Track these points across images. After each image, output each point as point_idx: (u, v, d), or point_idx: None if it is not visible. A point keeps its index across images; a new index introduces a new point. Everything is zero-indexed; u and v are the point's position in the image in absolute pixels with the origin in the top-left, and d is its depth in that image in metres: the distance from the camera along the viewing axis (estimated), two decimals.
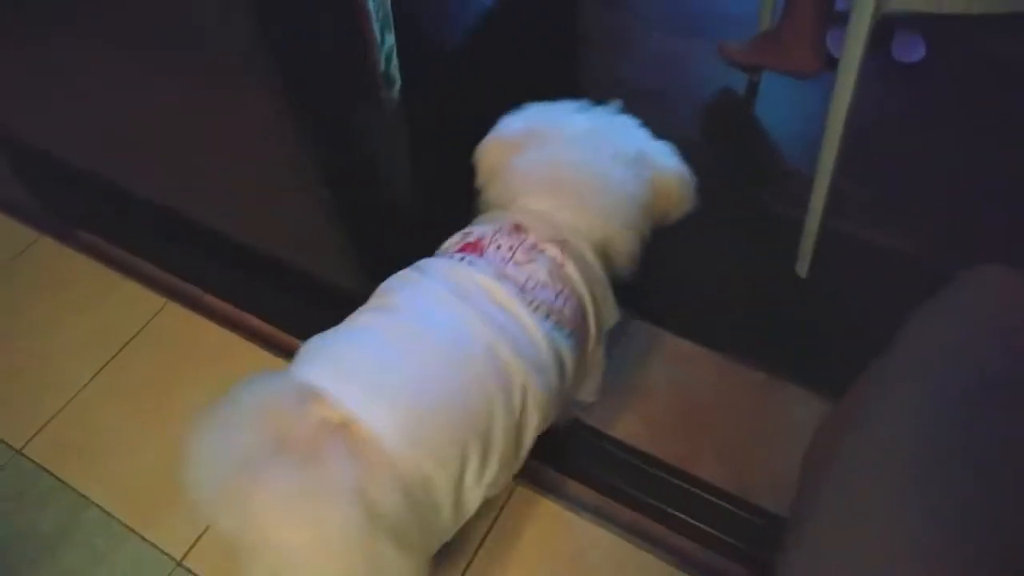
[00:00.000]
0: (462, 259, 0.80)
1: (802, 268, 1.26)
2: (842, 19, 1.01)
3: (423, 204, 1.06)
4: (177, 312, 1.33)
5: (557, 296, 0.79)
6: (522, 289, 0.77)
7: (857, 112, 1.06)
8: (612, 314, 0.90)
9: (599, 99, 0.96)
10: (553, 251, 0.81)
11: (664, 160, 0.92)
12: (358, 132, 0.99)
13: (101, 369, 1.25)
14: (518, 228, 0.83)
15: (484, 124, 0.96)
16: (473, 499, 0.72)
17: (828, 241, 1.23)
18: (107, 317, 1.33)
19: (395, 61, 0.93)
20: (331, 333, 0.74)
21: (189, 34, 0.86)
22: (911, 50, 1.59)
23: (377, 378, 0.68)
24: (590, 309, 0.83)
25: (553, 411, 0.78)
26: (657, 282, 0.96)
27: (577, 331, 0.81)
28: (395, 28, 0.89)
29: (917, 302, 0.58)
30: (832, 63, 1.11)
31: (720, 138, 1.12)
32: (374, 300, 0.79)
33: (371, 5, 0.87)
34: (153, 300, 1.35)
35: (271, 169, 0.99)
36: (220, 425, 0.66)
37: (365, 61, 0.91)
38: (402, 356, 0.70)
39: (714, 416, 1.09)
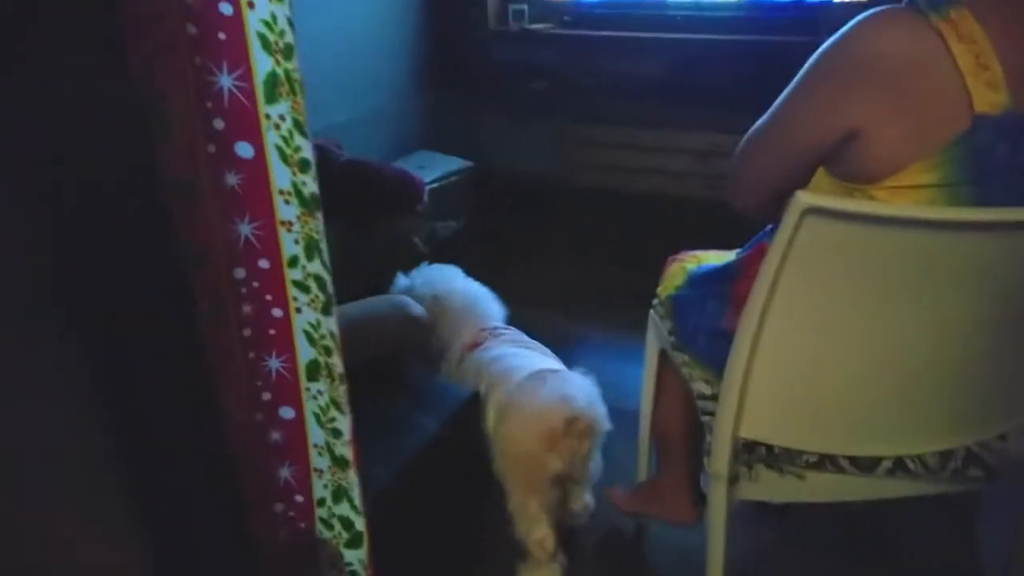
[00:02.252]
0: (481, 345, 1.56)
1: None
2: None
3: None
4: None
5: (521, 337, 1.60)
6: (515, 342, 1.56)
7: (736, 551, 1.11)
8: None
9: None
10: (500, 328, 1.64)
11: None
12: None
13: None
14: (483, 330, 1.61)
15: None
16: None
17: None
18: None
19: None
20: (520, 351, 1.52)
21: None
22: None
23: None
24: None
25: None
26: None
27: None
28: None
29: None
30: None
31: None
32: (498, 347, 1.53)
33: None
34: None
35: None
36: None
37: None
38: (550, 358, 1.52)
39: None
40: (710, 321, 1.15)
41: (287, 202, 0.82)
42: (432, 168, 2.86)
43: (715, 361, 1.08)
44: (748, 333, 0.95)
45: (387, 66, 2.98)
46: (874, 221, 0.82)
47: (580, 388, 1.30)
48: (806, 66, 0.90)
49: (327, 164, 2.11)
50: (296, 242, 0.84)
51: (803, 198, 0.81)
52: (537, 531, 1.31)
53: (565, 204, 3.05)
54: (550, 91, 3.04)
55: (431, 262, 2.55)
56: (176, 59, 0.72)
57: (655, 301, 1.40)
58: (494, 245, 3.04)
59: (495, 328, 1.61)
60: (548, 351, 1.55)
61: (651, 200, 2.88)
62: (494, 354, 1.49)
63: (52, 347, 0.71)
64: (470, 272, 1.90)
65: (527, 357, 1.46)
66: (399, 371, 1.39)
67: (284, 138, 0.79)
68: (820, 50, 0.89)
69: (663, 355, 1.40)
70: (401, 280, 1.79)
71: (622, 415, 1.39)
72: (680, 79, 2.78)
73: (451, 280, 1.75)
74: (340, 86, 2.72)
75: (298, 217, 0.82)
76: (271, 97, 0.77)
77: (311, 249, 0.83)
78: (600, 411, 1.31)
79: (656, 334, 1.39)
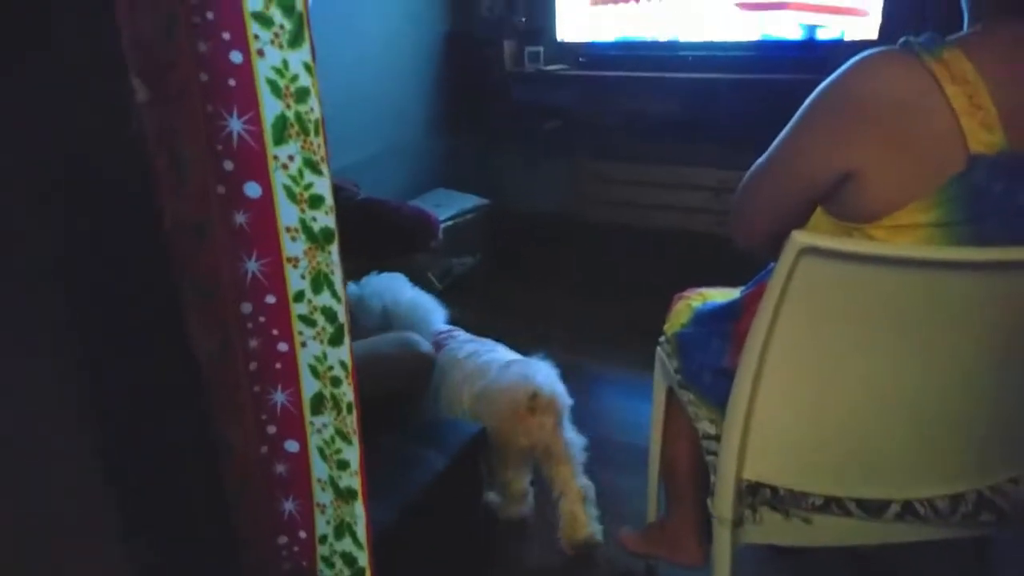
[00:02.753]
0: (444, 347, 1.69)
1: None
2: None
3: None
4: None
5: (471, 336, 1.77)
6: (473, 340, 1.72)
7: None
8: None
9: None
10: (452, 330, 1.78)
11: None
12: None
13: None
14: (439, 333, 1.75)
15: None
16: None
17: None
18: None
19: None
20: (490, 347, 1.70)
21: None
22: None
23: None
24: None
25: None
26: None
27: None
28: None
29: None
30: None
31: None
32: (464, 346, 1.70)
33: None
34: None
35: None
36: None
37: None
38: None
39: None
40: (714, 359, 1.15)
41: (294, 239, 0.84)
42: (448, 206, 2.90)
43: (719, 400, 1.08)
44: (748, 372, 0.95)
45: (406, 106, 3.05)
46: (871, 261, 0.82)
47: (539, 369, 1.49)
48: (803, 106, 0.91)
49: (342, 203, 2.16)
50: (303, 277, 0.86)
51: (799, 238, 0.82)
52: (513, 487, 1.55)
53: (579, 240, 3.08)
54: (565, 130, 3.09)
55: (445, 297, 2.59)
56: (190, 105, 0.75)
57: (662, 339, 1.40)
58: (508, 281, 3.07)
59: (450, 330, 1.77)
60: (502, 345, 1.72)
61: (664, 236, 2.89)
62: (466, 350, 1.64)
63: (48, 371, 0.73)
64: (485, 307, 1.94)
65: (496, 351, 1.65)
66: (404, 407, 1.40)
67: (293, 177, 0.81)
68: (817, 91, 0.90)
69: (671, 393, 1.39)
70: (350, 288, 1.84)
71: (634, 452, 1.38)
72: (692, 117, 2.82)
73: (399, 291, 1.82)
74: (360, 125, 2.79)
75: (305, 252, 0.84)
76: (279, 139, 0.80)
77: (319, 282, 0.85)
78: (559, 388, 1.49)
79: (663, 372, 1.39)
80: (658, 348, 1.41)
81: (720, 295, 1.33)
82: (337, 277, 0.83)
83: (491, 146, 3.28)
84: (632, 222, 2.97)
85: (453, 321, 1.93)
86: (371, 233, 2.11)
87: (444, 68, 3.20)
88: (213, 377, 0.82)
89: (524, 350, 1.81)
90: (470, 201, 2.99)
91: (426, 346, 1.45)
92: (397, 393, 1.40)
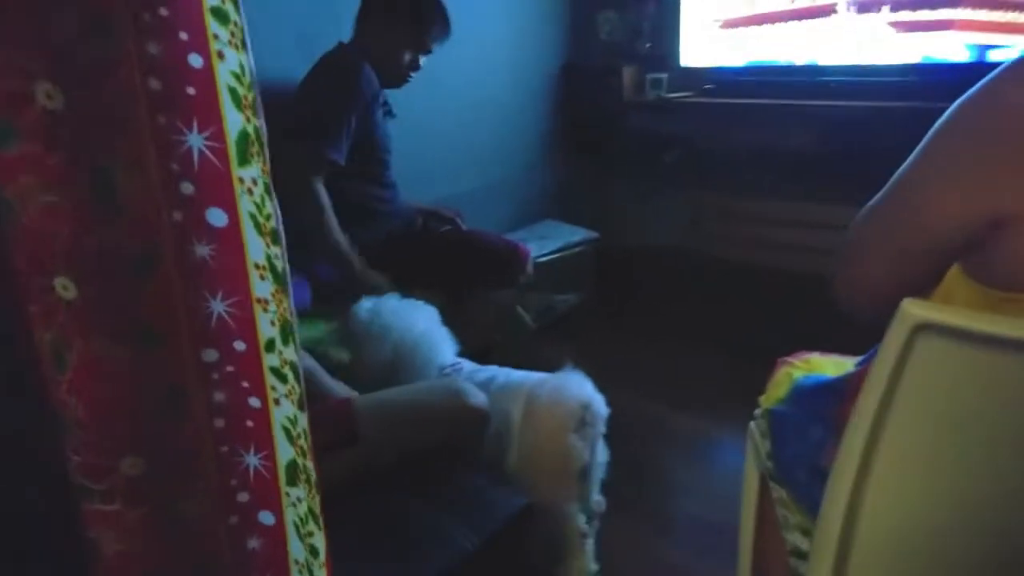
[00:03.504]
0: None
1: None
2: None
3: None
4: None
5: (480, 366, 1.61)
6: (484, 369, 1.57)
7: None
8: None
9: None
10: (458, 363, 1.61)
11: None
12: None
13: None
14: (443, 368, 1.58)
15: None
16: None
17: None
18: None
19: None
20: (491, 368, 1.57)
21: None
22: None
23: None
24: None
25: None
26: None
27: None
28: None
29: None
30: None
31: None
32: (476, 375, 1.54)
33: None
34: None
35: None
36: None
37: None
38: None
39: None
40: (811, 452, 0.89)
41: (262, 277, 0.71)
42: (554, 238, 2.74)
43: (814, 506, 0.82)
44: (846, 480, 0.70)
45: (519, 135, 2.95)
46: (1021, 348, 0.56)
47: (581, 381, 1.44)
48: (934, 129, 0.68)
49: (429, 232, 2.06)
50: (272, 324, 0.72)
51: (912, 309, 0.57)
52: (579, 531, 1.39)
53: (694, 281, 2.81)
54: (687, 161, 2.84)
55: (542, 336, 2.41)
56: (133, 117, 0.64)
57: (757, 412, 1.14)
58: (613, 323, 2.84)
59: (455, 363, 1.62)
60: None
61: (793, 279, 2.56)
62: (481, 377, 1.51)
63: None
64: (581, 350, 1.72)
65: (511, 372, 1.53)
66: (440, 468, 1.21)
67: (257, 204, 0.68)
68: (955, 105, 0.66)
69: (766, 482, 1.13)
70: (362, 311, 1.63)
71: (724, 533, 1.13)
72: (832, 149, 2.50)
73: (412, 324, 1.63)
74: (472, 154, 2.71)
75: (273, 295, 0.71)
76: (244, 158, 0.67)
77: (286, 333, 0.72)
78: (598, 396, 1.44)
79: (755, 455, 1.13)
80: (751, 424, 1.16)
81: (831, 365, 1.07)
82: (297, 331, 0.69)
83: (604, 177, 3.09)
84: (757, 262, 2.67)
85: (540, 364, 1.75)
86: (457, 265, 1.99)
87: (560, 96, 3.07)
88: (159, 439, 0.70)
89: (624, 400, 1.60)
90: (578, 234, 2.81)
91: (478, 397, 1.27)
92: (441, 449, 1.23)
